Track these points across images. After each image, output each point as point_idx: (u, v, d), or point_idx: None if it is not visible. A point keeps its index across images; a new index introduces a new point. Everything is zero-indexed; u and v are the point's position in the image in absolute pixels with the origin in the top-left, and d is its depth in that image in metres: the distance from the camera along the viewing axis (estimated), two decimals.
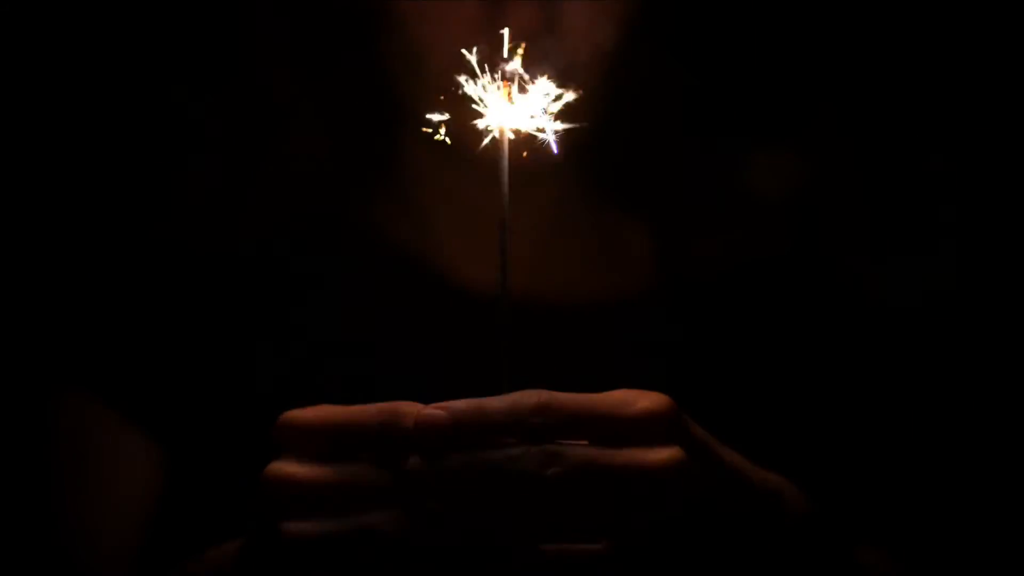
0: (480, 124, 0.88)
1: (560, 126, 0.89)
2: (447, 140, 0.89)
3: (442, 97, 0.89)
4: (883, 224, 1.44)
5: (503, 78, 0.89)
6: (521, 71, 0.89)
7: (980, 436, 1.35)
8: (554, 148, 0.89)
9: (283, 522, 0.80)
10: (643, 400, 0.82)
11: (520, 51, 0.88)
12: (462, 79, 0.89)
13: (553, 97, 0.89)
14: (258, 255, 1.26)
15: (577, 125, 0.89)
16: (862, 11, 1.47)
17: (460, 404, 0.80)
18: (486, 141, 0.88)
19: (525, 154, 0.89)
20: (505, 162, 0.88)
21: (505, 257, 0.89)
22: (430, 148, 0.93)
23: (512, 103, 0.88)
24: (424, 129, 0.89)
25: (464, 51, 0.88)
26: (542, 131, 0.89)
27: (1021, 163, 1.51)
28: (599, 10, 1.19)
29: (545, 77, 0.89)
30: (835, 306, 1.32)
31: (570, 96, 0.89)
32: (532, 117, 0.88)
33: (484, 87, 0.89)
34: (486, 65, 0.89)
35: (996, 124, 1.51)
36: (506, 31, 0.89)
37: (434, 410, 0.79)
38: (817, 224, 1.38)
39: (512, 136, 0.88)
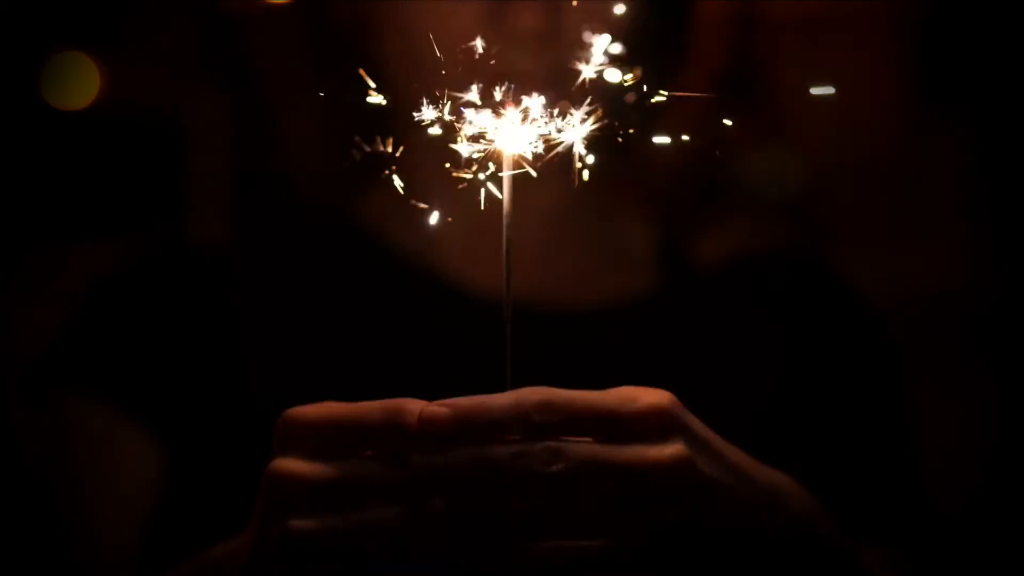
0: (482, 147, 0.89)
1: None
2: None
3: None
4: (883, 222, 1.44)
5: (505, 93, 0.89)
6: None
7: (981, 434, 1.35)
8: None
9: (287, 518, 0.80)
10: (646, 397, 0.82)
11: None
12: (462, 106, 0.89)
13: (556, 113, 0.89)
14: (259, 254, 1.26)
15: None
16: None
17: (463, 401, 0.80)
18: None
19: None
20: (508, 181, 0.88)
21: (508, 263, 0.89)
22: (433, 148, 0.93)
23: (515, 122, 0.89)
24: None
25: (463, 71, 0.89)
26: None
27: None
28: (600, 11, 1.19)
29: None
30: (836, 304, 1.32)
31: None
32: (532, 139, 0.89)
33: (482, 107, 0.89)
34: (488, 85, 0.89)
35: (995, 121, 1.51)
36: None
37: (437, 407, 0.79)
38: (818, 222, 1.38)
39: (514, 156, 0.89)
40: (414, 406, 0.80)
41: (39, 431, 1.22)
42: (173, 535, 1.13)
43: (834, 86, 1.40)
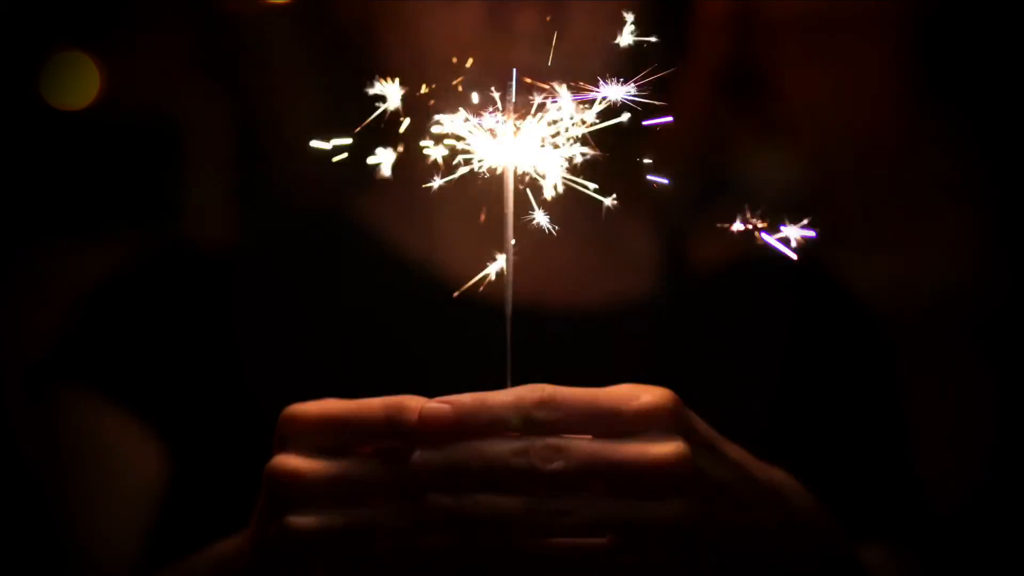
0: (484, 161, 0.89)
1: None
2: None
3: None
4: (883, 222, 1.44)
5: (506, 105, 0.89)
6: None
7: (980, 433, 1.35)
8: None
9: (287, 516, 0.80)
10: (646, 395, 0.82)
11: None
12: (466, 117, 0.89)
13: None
14: (261, 253, 1.26)
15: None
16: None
17: (464, 398, 0.80)
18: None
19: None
20: (509, 180, 0.88)
21: (510, 262, 0.89)
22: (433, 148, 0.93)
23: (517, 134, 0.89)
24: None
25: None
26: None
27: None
28: (603, 10, 1.20)
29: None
30: (836, 304, 1.32)
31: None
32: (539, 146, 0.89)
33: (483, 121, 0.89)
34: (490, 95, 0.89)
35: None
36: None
37: (438, 404, 0.79)
38: (818, 222, 1.38)
39: (517, 171, 0.89)
40: (415, 403, 0.80)
41: (40, 430, 1.22)
42: (174, 533, 1.13)
43: (836, 86, 1.41)
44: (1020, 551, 1.34)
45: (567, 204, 1.28)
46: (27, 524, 1.21)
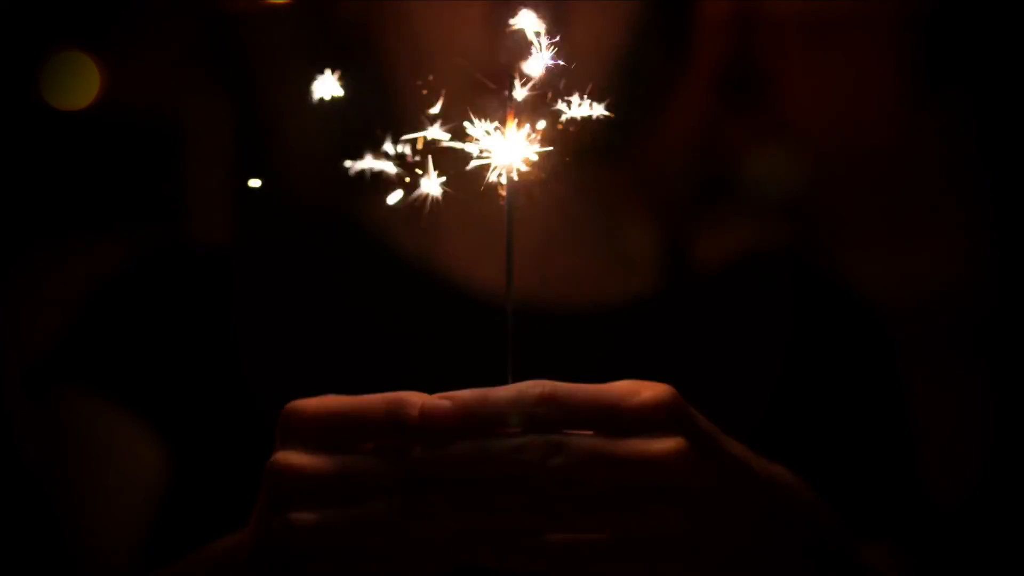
0: (485, 162, 0.89)
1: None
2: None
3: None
4: (882, 221, 1.44)
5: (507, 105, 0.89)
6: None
7: (979, 430, 1.35)
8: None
9: (289, 512, 0.80)
10: (647, 391, 0.82)
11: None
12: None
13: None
14: (261, 252, 1.26)
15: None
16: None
17: (465, 394, 0.80)
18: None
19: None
20: (510, 181, 0.88)
21: (510, 261, 0.89)
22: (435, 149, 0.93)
23: (518, 131, 0.89)
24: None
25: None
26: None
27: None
28: (605, 11, 1.20)
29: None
30: (836, 302, 1.33)
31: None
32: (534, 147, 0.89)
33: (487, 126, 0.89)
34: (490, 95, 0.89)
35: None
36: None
37: (439, 400, 0.80)
38: (818, 221, 1.38)
39: (517, 173, 0.89)
40: (416, 399, 0.80)
41: (40, 430, 1.22)
42: (176, 531, 1.13)
43: (836, 85, 1.41)
44: (1020, 550, 1.34)
45: (568, 203, 1.29)
46: (28, 524, 1.21)
